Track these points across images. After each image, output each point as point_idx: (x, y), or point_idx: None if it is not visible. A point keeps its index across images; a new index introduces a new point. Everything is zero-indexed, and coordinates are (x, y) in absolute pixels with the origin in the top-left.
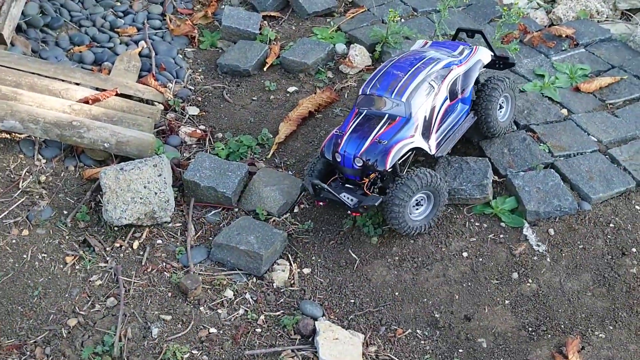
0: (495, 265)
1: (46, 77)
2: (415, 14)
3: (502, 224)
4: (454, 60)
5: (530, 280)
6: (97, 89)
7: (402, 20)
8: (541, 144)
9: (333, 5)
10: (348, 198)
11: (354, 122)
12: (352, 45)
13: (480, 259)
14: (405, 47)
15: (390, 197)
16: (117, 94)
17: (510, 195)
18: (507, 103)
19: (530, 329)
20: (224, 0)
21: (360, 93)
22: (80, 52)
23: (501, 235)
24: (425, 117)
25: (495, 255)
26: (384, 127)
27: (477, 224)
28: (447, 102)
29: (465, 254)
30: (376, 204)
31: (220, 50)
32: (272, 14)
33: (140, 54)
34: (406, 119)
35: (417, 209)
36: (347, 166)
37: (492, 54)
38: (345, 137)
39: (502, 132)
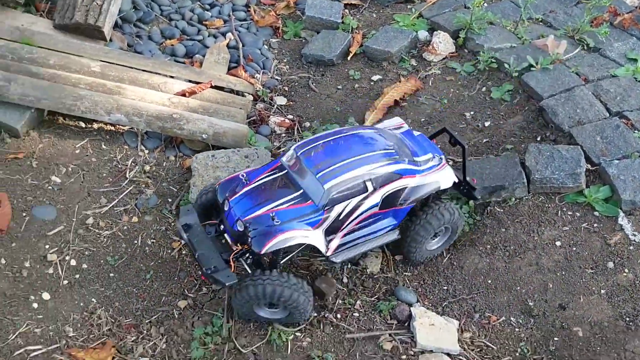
0: (590, 254)
1: (145, 71)
2: None
3: (596, 213)
4: (411, 168)
5: (626, 270)
6: (190, 81)
7: (486, 4)
8: (635, 131)
9: None
10: (206, 260)
11: (267, 176)
12: (435, 32)
13: (574, 248)
14: (490, 33)
15: (237, 293)
16: (211, 86)
17: (604, 184)
18: (445, 234)
19: (627, 319)
20: None
21: (292, 147)
22: (172, 45)
23: (595, 225)
24: (340, 214)
25: (589, 244)
26: (290, 203)
27: (569, 212)
28: (376, 209)
29: (558, 243)
30: (226, 284)
31: (303, 40)
32: (353, 2)
33: (228, 46)
34: (316, 208)
35: (269, 308)
36: (229, 223)
37: (460, 178)
38: (245, 189)
39: (424, 261)
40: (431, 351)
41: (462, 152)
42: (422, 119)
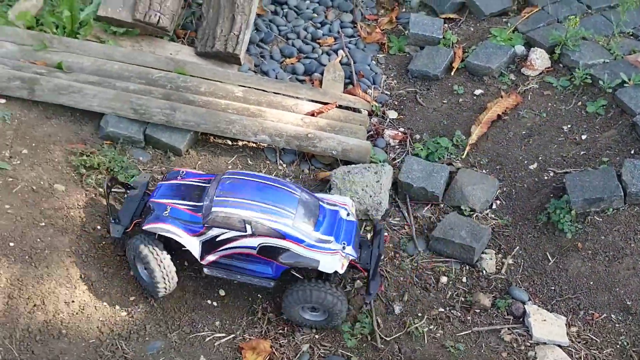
0: None
1: (279, 94)
2: (590, 11)
3: None
4: (297, 236)
5: None
6: (316, 101)
7: (578, 18)
8: None
9: (508, 5)
10: (120, 213)
11: (196, 182)
12: (532, 48)
13: None
14: (584, 49)
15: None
16: (336, 107)
17: None
18: (324, 314)
19: None
20: (404, 4)
21: (226, 170)
22: (292, 64)
23: None
24: (216, 237)
25: None
26: (188, 207)
27: None
28: (253, 251)
29: None
30: (111, 234)
31: (407, 55)
32: (451, 16)
33: (340, 63)
34: (200, 221)
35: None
36: (149, 198)
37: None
38: (174, 181)
39: (296, 322)
40: (545, 343)
41: (377, 259)
42: (523, 132)
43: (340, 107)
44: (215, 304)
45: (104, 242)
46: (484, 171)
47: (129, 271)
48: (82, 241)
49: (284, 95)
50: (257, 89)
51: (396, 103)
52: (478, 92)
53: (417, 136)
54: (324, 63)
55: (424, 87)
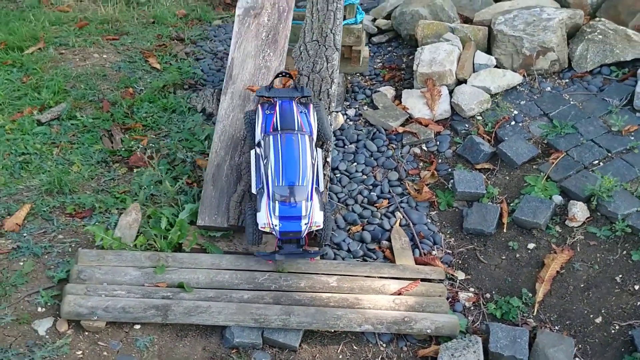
0: None
1: (367, 277)
2: (610, 155)
3: None
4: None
5: None
6: (395, 278)
7: (600, 164)
8: None
9: (535, 153)
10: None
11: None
12: (571, 201)
13: None
14: (617, 199)
15: None
16: (420, 280)
17: None
18: None
19: None
20: (439, 155)
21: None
22: (358, 231)
23: None
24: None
25: None
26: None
27: None
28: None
29: None
30: None
31: (456, 209)
32: (485, 166)
33: (400, 225)
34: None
35: None
36: None
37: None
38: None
39: None
40: None
41: None
42: (582, 285)
43: (422, 280)
44: None
45: None
46: (556, 327)
47: None
48: None
49: (371, 277)
50: (346, 275)
51: (460, 262)
52: (531, 246)
53: (488, 295)
54: (386, 227)
55: (481, 243)
